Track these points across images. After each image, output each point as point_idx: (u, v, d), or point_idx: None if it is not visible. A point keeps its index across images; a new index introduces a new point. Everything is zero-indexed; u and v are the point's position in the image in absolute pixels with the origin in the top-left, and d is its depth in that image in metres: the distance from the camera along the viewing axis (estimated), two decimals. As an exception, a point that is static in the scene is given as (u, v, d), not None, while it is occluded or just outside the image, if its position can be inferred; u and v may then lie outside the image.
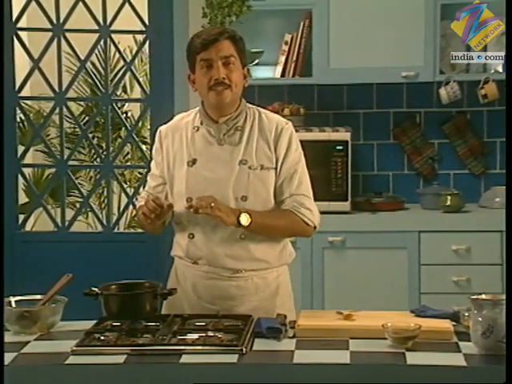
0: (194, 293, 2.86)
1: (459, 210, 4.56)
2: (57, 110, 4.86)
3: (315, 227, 2.88)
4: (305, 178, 2.88)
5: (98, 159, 5.13)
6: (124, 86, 6.33)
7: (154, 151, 2.97)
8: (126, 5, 4.72)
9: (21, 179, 4.94)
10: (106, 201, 5.23)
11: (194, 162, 2.84)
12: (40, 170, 5.89)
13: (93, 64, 5.65)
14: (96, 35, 4.78)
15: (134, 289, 2.74)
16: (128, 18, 4.77)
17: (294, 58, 4.72)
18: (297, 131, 2.96)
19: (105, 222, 4.92)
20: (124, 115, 5.95)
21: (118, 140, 5.96)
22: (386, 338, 2.43)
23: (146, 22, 4.75)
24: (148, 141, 5.34)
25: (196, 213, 2.69)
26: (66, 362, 2.37)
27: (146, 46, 4.88)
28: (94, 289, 2.69)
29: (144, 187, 3.08)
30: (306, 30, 4.70)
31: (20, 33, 4.81)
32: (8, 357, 2.39)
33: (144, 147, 5.30)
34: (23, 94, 4.91)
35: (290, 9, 4.68)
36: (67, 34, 4.75)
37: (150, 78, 4.88)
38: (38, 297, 2.77)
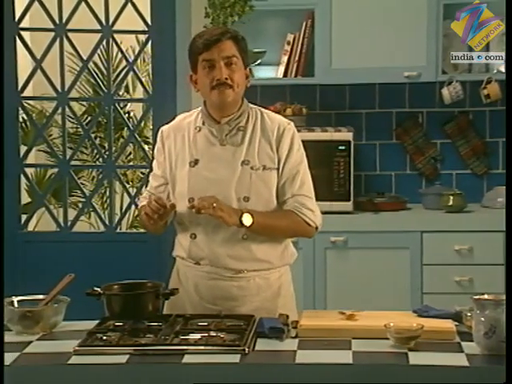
0: (196, 293, 2.86)
1: (461, 210, 4.56)
2: (59, 110, 4.86)
3: (317, 228, 2.88)
4: (307, 179, 2.88)
5: (101, 159, 5.14)
6: (126, 86, 6.33)
7: (155, 151, 2.97)
8: (129, 5, 4.72)
9: (23, 179, 4.94)
10: (108, 201, 5.24)
11: (196, 162, 2.84)
12: (42, 170, 5.89)
13: (95, 64, 5.66)
14: (98, 35, 4.79)
15: (137, 289, 2.74)
16: (130, 18, 4.77)
17: (297, 58, 4.72)
18: (299, 131, 2.96)
19: (107, 222, 4.92)
20: (126, 115, 5.96)
21: (120, 140, 5.96)
22: (388, 338, 2.43)
23: (149, 22, 4.75)
24: (150, 141, 5.34)
25: (198, 213, 2.69)
26: (69, 362, 2.37)
27: (149, 46, 4.88)
28: (96, 289, 2.69)
29: (146, 187, 3.08)
30: (308, 30, 4.70)
31: (22, 33, 4.81)
32: (10, 357, 2.39)
33: (146, 147, 5.30)
34: (26, 93, 4.92)
35: (292, 9, 4.68)
36: (70, 34, 4.75)
37: (153, 78, 4.88)
38: (41, 297, 2.77)
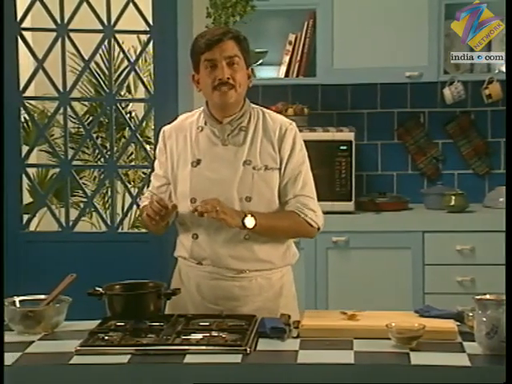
0: (198, 293, 2.86)
1: (463, 210, 4.56)
2: (61, 110, 4.87)
3: (319, 228, 2.88)
4: (309, 179, 2.88)
5: (102, 159, 5.14)
6: (128, 86, 6.34)
7: (157, 151, 2.97)
8: (130, 5, 4.72)
9: (25, 179, 4.95)
10: (110, 201, 5.23)
11: (198, 162, 2.84)
12: (44, 170, 5.90)
13: (97, 64, 5.67)
14: (100, 35, 4.79)
15: (138, 289, 2.74)
16: (132, 18, 4.77)
17: (298, 58, 4.72)
18: (301, 131, 2.95)
19: (109, 222, 4.92)
20: (128, 115, 5.96)
21: (121, 140, 5.97)
22: (389, 338, 2.43)
23: (150, 22, 4.75)
24: (152, 141, 5.35)
25: (201, 216, 2.69)
26: (70, 362, 2.37)
27: (150, 46, 4.88)
28: (98, 289, 2.69)
29: (148, 187, 3.08)
30: (309, 30, 4.70)
31: (24, 33, 4.81)
32: (12, 357, 2.39)
33: (148, 147, 5.31)
34: (27, 94, 4.92)
35: (293, 9, 4.68)
36: (71, 34, 4.76)
37: (154, 78, 4.88)
38: (42, 297, 2.77)
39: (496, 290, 2.52)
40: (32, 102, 5.60)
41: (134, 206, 5.03)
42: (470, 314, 2.54)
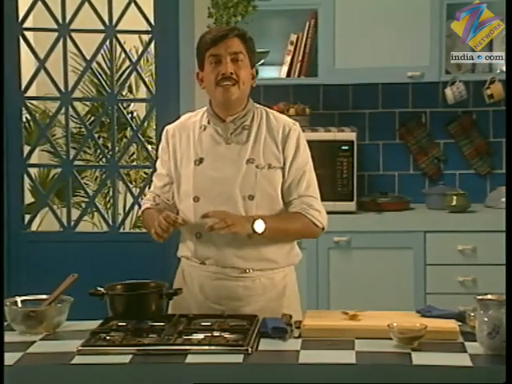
0: (201, 293, 2.85)
1: (465, 210, 4.56)
2: (62, 110, 4.87)
3: (323, 228, 2.88)
4: (312, 179, 2.88)
5: (104, 159, 5.14)
6: (130, 86, 6.34)
7: (160, 150, 2.97)
8: (132, 5, 4.72)
9: (27, 179, 4.95)
10: (111, 201, 5.23)
11: (200, 161, 2.83)
12: (46, 170, 5.90)
13: (98, 64, 5.67)
14: (102, 35, 4.79)
15: (140, 289, 2.74)
16: (134, 18, 4.77)
17: (300, 58, 4.72)
18: (302, 131, 2.95)
19: (110, 221, 4.92)
20: (130, 115, 5.97)
21: (123, 140, 5.97)
22: (391, 338, 2.43)
23: (152, 22, 4.75)
24: (154, 141, 5.34)
25: (211, 231, 2.69)
26: (72, 362, 2.37)
27: (152, 46, 4.88)
28: (99, 289, 2.68)
29: (149, 188, 3.08)
30: (311, 30, 4.70)
31: (26, 33, 4.81)
32: (14, 356, 2.39)
33: (150, 147, 5.31)
34: (29, 94, 4.92)
35: (295, 9, 4.68)
36: (73, 34, 4.76)
37: (156, 78, 4.88)
38: (44, 297, 2.77)
39: (498, 290, 2.52)
40: (34, 101, 5.60)
41: (136, 206, 5.04)
42: (472, 314, 2.54)
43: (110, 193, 5.29)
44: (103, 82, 5.02)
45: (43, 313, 2.66)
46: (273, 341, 2.50)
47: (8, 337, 2.50)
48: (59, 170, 5.04)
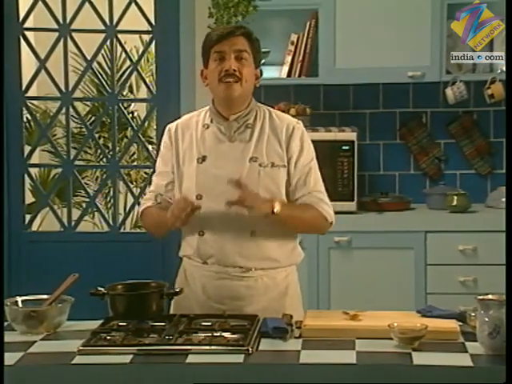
0: (204, 293, 2.85)
1: (466, 210, 4.56)
2: (63, 110, 4.87)
3: (331, 223, 2.89)
4: (319, 176, 2.90)
5: (105, 159, 5.14)
6: (130, 86, 6.35)
7: (162, 148, 2.95)
8: (133, 5, 4.73)
9: (27, 179, 4.95)
10: (112, 201, 5.24)
11: (203, 159, 2.83)
12: (46, 170, 5.90)
13: (99, 64, 5.67)
14: (102, 35, 4.79)
15: (141, 289, 2.74)
16: (134, 18, 4.77)
17: (300, 58, 4.72)
18: (304, 131, 2.96)
19: (111, 221, 4.93)
20: (130, 115, 5.97)
21: (124, 140, 5.97)
22: (392, 339, 2.43)
23: (153, 22, 4.76)
24: (154, 141, 5.35)
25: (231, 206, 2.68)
26: (73, 362, 2.37)
27: (153, 46, 4.88)
28: (100, 289, 2.68)
29: (148, 190, 3.05)
30: (312, 30, 4.70)
31: (27, 33, 4.82)
32: (14, 356, 2.39)
33: (150, 147, 5.31)
34: (30, 94, 4.92)
35: (296, 9, 4.68)
36: (74, 34, 4.76)
37: (157, 78, 4.88)
38: (45, 296, 2.77)
39: (498, 290, 2.52)
40: (34, 101, 5.60)
41: (137, 206, 5.04)
42: (473, 314, 2.54)
43: (111, 193, 5.29)
44: (104, 82, 5.02)
45: (44, 313, 2.66)
46: (273, 341, 2.49)
47: (9, 337, 2.50)
48: (60, 169, 5.04)
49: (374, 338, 2.47)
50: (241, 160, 2.81)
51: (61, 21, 4.74)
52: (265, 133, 2.85)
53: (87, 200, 5.16)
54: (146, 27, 4.80)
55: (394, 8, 4.56)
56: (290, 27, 4.78)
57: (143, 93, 6.10)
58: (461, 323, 2.59)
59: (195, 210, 2.72)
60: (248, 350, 2.38)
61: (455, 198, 4.56)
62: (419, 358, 2.33)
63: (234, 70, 2.77)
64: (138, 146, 6.06)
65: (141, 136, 5.10)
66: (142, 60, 5.53)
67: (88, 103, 6.30)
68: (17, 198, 4.78)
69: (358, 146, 4.60)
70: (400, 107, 4.92)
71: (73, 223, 4.90)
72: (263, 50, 4.66)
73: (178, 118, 3.01)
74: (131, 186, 5.31)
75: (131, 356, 2.38)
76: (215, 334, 2.50)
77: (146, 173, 5.92)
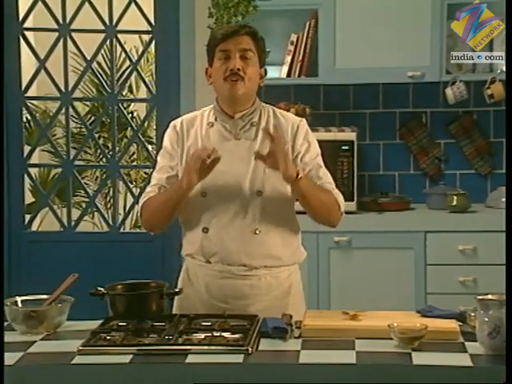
0: (207, 292, 2.85)
1: (466, 210, 4.56)
2: (63, 110, 4.87)
3: (342, 214, 2.89)
4: (327, 171, 2.91)
5: (104, 159, 5.14)
6: (130, 86, 6.35)
7: (167, 143, 2.92)
8: (132, 5, 4.73)
9: (27, 179, 4.95)
10: (111, 201, 5.24)
11: (208, 156, 2.81)
12: (46, 170, 5.91)
13: (99, 64, 5.67)
14: (102, 35, 4.79)
15: (140, 289, 2.74)
16: (134, 18, 4.78)
17: (300, 58, 4.72)
18: (305, 130, 2.96)
19: (111, 221, 4.93)
20: (130, 115, 5.97)
21: (123, 140, 5.97)
22: (392, 339, 2.43)
23: (152, 22, 4.76)
24: (154, 141, 5.35)
25: (271, 138, 2.67)
26: (72, 362, 2.37)
27: (152, 45, 4.88)
28: (100, 289, 2.68)
29: (149, 186, 3.03)
30: (311, 30, 4.70)
31: (26, 33, 4.82)
32: (14, 356, 2.39)
33: (150, 147, 5.31)
34: (29, 94, 4.93)
35: (295, 9, 4.68)
36: (73, 34, 4.76)
37: (156, 78, 4.88)
38: (44, 296, 2.77)
39: (498, 290, 2.52)
40: (34, 101, 5.60)
41: (136, 206, 5.04)
42: (472, 314, 2.54)
43: (111, 193, 5.30)
44: (103, 82, 5.03)
45: (44, 313, 2.66)
46: (273, 341, 2.49)
47: (8, 337, 2.50)
48: (59, 169, 5.04)
49: (373, 338, 2.47)
50: (247, 158, 2.81)
51: (60, 21, 4.74)
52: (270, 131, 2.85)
53: (87, 200, 5.17)
54: (146, 27, 4.80)
55: (394, 8, 4.56)
56: (290, 27, 4.78)
57: (143, 93, 6.10)
58: (461, 323, 2.59)
59: (215, 162, 2.70)
60: (248, 349, 2.38)
61: (455, 198, 4.56)
62: (419, 358, 2.33)
63: (239, 70, 2.78)
64: (138, 146, 6.06)
65: (140, 136, 5.10)
66: (142, 60, 5.54)
67: (88, 103, 6.31)
68: (17, 198, 4.78)
69: (358, 146, 4.60)
70: (400, 107, 4.92)
71: (72, 223, 4.90)
72: (263, 49, 4.71)
73: (178, 117, 3.00)
74: (131, 185, 5.31)
75: (131, 356, 2.38)
76: (215, 334, 2.50)
77: (145, 173, 5.93)
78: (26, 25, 4.80)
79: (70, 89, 4.82)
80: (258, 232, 2.80)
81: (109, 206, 5.94)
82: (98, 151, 5.94)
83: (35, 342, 2.55)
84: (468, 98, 4.70)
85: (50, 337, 2.61)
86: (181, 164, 2.86)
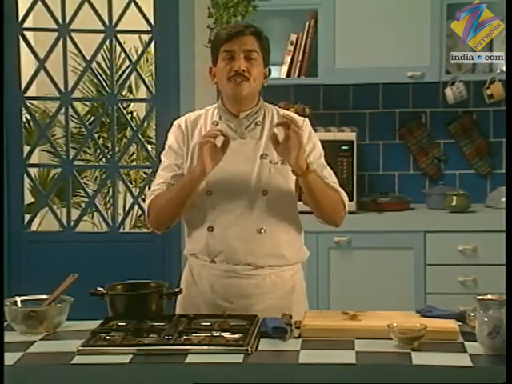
0: (212, 292, 2.84)
1: (465, 210, 4.56)
2: (62, 110, 4.87)
3: (345, 213, 2.89)
4: (331, 170, 2.92)
5: (104, 159, 5.14)
6: (129, 86, 6.35)
7: (173, 142, 2.90)
8: (132, 5, 4.73)
9: (27, 179, 4.95)
10: (111, 201, 5.24)
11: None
12: (46, 170, 5.91)
13: (98, 64, 5.67)
14: (102, 35, 4.79)
15: (140, 289, 2.74)
16: (134, 18, 4.78)
17: (300, 58, 4.72)
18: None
19: (110, 221, 4.93)
20: (129, 115, 5.97)
21: (123, 140, 5.98)
22: (391, 339, 2.43)
23: (152, 22, 4.76)
24: (153, 141, 5.35)
25: (287, 126, 2.66)
26: (72, 362, 2.37)
27: (152, 46, 4.88)
28: (99, 289, 2.68)
29: (149, 188, 3.04)
30: (311, 30, 4.70)
31: (26, 33, 4.82)
32: (14, 356, 2.39)
33: (149, 147, 5.31)
34: (29, 94, 4.93)
35: (295, 9, 4.68)
36: (73, 34, 4.76)
37: (156, 78, 4.88)
38: (44, 296, 2.77)
39: (498, 290, 2.52)
40: (34, 101, 5.61)
41: (136, 206, 5.04)
42: (472, 314, 2.54)
43: (110, 193, 5.29)
44: (103, 82, 5.03)
45: (43, 313, 2.66)
46: (273, 341, 2.49)
47: (8, 337, 2.50)
48: (59, 169, 5.04)
49: (373, 338, 2.47)
50: (252, 157, 2.81)
51: (60, 21, 4.74)
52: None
53: (86, 200, 5.17)
54: (146, 27, 4.80)
55: (394, 8, 4.56)
56: (290, 27, 4.78)
57: (142, 93, 6.10)
58: (460, 323, 2.59)
59: (226, 144, 2.71)
60: (247, 349, 2.38)
61: (455, 198, 4.56)
62: (419, 358, 2.33)
63: (244, 71, 2.78)
64: (138, 146, 6.06)
65: (140, 136, 5.10)
66: (142, 60, 5.54)
67: (87, 103, 6.31)
68: (16, 198, 4.78)
69: (358, 146, 4.60)
70: (399, 107, 4.92)
71: (72, 223, 4.90)
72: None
73: (178, 117, 2.99)
74: (130, 185, 5.31)
75: (131, 356, 2.38)
76: (215, 334, 2.50)
77: (145, 173, 5.93)
78: (25, 25, 4.80)
79: (69, 89, 4.82)
80: (263, 231, 2.80)
81: (108, 206, 5.94)
82: (98, 151, 5.94)
83: (35, 342, 2.55)
84: (468, 98, 4.70)
85: (49, 337, 2.61)
86: (186, 163, 2.86)
